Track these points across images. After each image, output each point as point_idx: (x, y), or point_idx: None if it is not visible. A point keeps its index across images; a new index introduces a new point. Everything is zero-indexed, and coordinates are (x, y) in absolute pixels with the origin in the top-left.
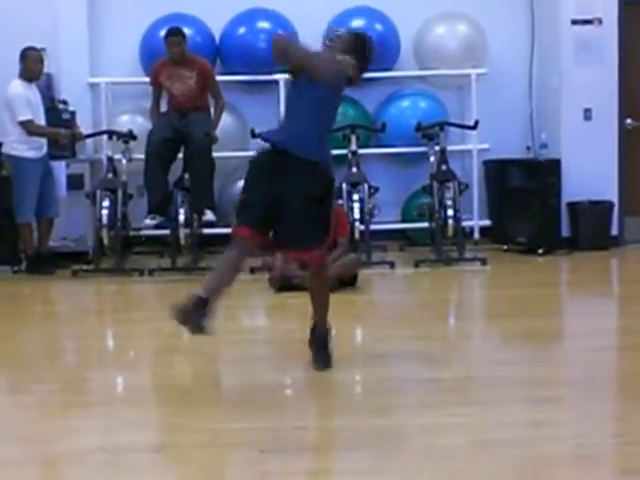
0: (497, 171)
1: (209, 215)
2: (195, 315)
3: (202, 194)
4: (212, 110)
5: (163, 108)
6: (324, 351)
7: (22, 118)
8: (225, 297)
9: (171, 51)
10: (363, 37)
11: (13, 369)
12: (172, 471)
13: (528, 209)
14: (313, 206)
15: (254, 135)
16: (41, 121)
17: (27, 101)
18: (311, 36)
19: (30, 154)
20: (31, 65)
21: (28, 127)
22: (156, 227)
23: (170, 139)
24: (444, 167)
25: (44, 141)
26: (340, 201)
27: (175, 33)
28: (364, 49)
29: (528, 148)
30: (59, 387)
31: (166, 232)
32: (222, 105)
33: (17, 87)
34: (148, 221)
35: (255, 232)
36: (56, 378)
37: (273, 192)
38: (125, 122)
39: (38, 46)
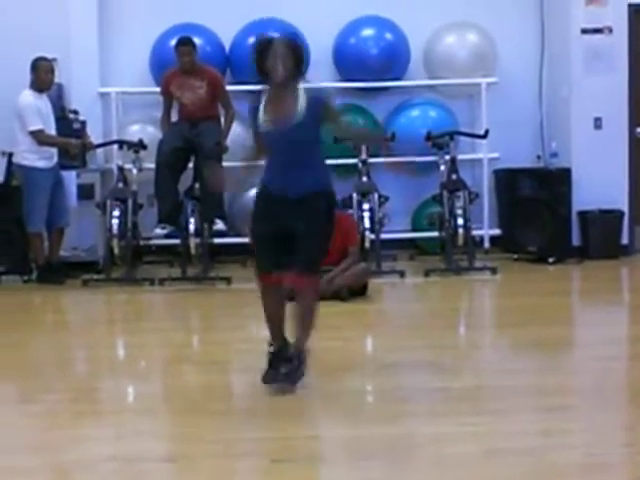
0: (507, 180)
1: (220, 225)
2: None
3: (212, 203)
4: (222, 120)
5: (173, 118)
6: (293, 370)
7: (33, 128)
8: (235, 306)
9: (182, 60)
10: (295, 42)
11: (24, 378)
12: None
13: (538, 218)
14: (317, 227)
15: None
16: (52, 131)
17: (38, 111)
18: (321, 46)
19: (41, 164)
20: (42, 75)
21: (39, 137)
22: (166, 237)
23: (181, 149)
24: (454, 176)
25: (55, 151)
26: (350, 210)
27: (185, 42)
28: (301, 53)
29: (538, 157)
30: (69, 396)
31: (176, 242)
32: (232, 115)
33: (28, 97)
34: (158, 230)
35: (277, 273)
36: (66, 387)
37: (280, 226)
38: (135, 132)
39: (49, 56)
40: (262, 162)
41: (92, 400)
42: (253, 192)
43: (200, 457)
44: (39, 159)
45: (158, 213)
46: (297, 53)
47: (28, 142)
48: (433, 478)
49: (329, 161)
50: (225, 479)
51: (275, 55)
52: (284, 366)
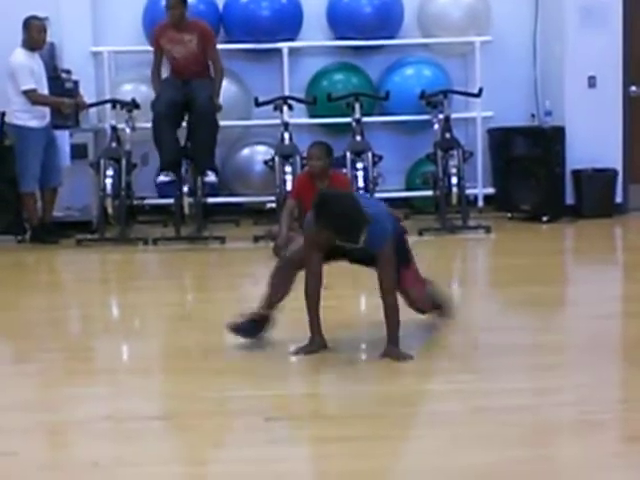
0: (501, 139)
1: (211, 176)
2: None
3: (204, 155)
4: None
5: (164, 74)
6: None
7: (25, 87)
8: (229, 265)
9: (170, 12)
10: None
11: (18, 338)
12: (178, 439)
13: (532, 177)
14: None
15: (257, 104)
16: (44, 90)
17: (30, 70)
18: (314, 5)
19: (33, 123)
20: (34, 34)
21: (31, 96)
22: (161, 195)
23: (176, 101)
24: (448, 135)
25: (47, 110)
26: (344, 169)
27: None
28: None
29: (532, 116)
30: (64, 356)
31: (170, 201)
32: (221, 70)
33: (20, 56)
34: (162, 177)
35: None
36: (60, 347)
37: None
38: (128, 91)
39: (41, 15)
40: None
41: (86, 359)
42: (245, 151)
43: (194, 415)
44: (32, 118)
45: (160, 161)
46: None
47: (20, 102)
48: (425, 435)
49: (323, 120)
50: (219, 437)
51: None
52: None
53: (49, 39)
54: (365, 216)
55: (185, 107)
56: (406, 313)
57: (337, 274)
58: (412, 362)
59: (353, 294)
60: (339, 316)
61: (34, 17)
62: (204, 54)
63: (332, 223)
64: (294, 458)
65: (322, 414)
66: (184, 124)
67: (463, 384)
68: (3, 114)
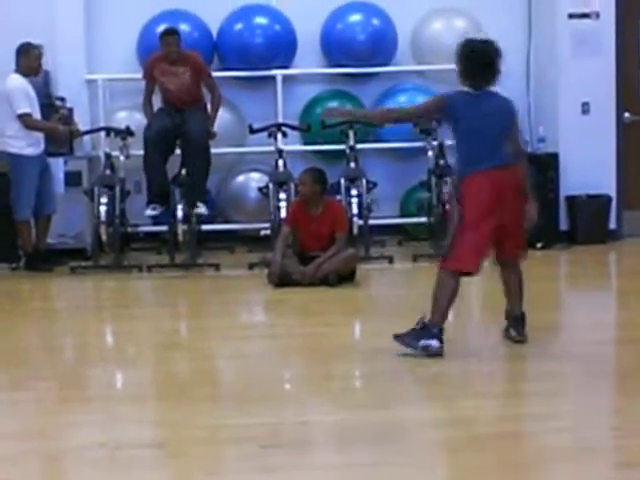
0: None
1: (201, 208)
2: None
3: (195, 187)
4: (209, 106)
5: (156, 105)
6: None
7: (21, 111)
8: (224, 292)
9: (167, 50)
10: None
11: (12, 366)
12: (172, 467)
13: None
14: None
15: (252, 131)
16: (37, 116)
17: (26, 94)
18: (308, 32)
19: (29, 151)
20: (31, 61)
21: (27, 121)
22: (155, 222)
23: (168, 129)
24: (442, 162)
25: (42, 137)
26: (338, 196)
27: (171, 33)
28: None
29: (526, 142)
30: (58, 384)
31: (164, 228)
32: (218, 97)
33: (16, 80)
34: (149, 211)
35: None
36: (55, 375)
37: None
38: (122, 119)
39: (35, 42)
40: None
41: (80, 387)
42: (240, 178)
43: (188, 443)
44: (27, 146)
45: (148, 194)
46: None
47: (15, 128)
48: (423, 462)
49: (317, 147)
50: (213, 465)
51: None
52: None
53: (44, 66)
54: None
55: (177, 136)
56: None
57: (328, 301)
58: (407, 389)
59: (345, 321)
60: (333, 342)
61: (29, 44)
62: (197, 85)
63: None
64: None
65: (318, 441)
66: (178, 151)
67: (460, 410)
68: None
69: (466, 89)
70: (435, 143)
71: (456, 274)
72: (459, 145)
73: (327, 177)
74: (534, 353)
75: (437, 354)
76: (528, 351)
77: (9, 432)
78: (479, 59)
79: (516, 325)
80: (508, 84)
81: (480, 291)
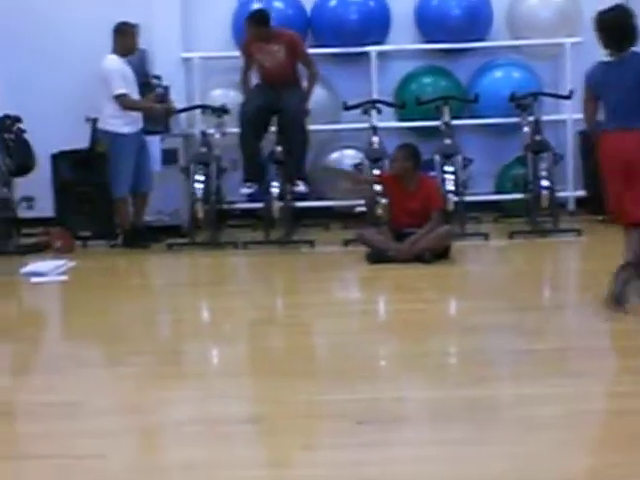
0: (592, 141)
1: (300, 186)
2: None
3: (294, 165)
4: (304, 83)
5: (254, 81)
6: None
7: (118, 92)
8: (319, 269)
9: (249, 33)
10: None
11: (110, 341)
12: (268, 442)
13: None
14: None
15: (346, 107)
16: (135, 96)
17: (123, 75)
18: (403, 8)
19: (126, 129)
20: (127, 41)
21: (123, 101)
22: (250, 199)
23: (264, 107)
24: (538, 137)
25: (139, 116)
26: (433, 173)
27: (248, 18)
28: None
29: None
30: (155, 359)
31: (260, 205)
32: (315, 74)
33: (113, 61)
34: (244, 190)
35: None
36: (152, 350)
37: None
38: (218, 96)
39: (132, 22)
40: None
41: (177, 363)
42: (334, 155)
43: (284, 419)
44: (124, 125)
45: (243, 172)
46: None
47: (112, 107)
48: (519, 439)
49: (412, 123)
50: (309, 440)
51: None
52: None
53: (140, 45)
54: None
55: (273, 113)
56: (500, 317)
57: (422, 278)
58: (503, 366)
59: (440, 298)
60: (429, 319)
61: (126, 23)
62: (292, 63)
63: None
64: (386, 462)
65: (413, 417)
66: (273, 129)
67: (557, 388)
68: (95, 120)
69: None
70: (531, 119)
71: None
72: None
73: (420, 153)
74: (632, 330)
75: None
76: (626, 328)
77: (108, 407)
78: (608, 26)
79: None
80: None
81: (575, 267)
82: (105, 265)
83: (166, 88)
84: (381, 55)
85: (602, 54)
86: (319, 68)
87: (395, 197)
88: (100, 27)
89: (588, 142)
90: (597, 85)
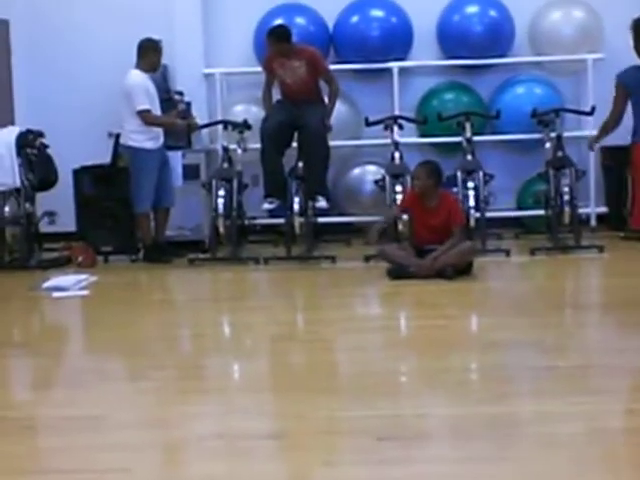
0: (614, 157)
1: (322, 202)
2: None
3: (315, 181)
4: (326, 99)
5: (275, 97)
6: None
7: (141, 107)
8: (340, 285)
9: (271, 49)
10: None
11: (132, 356)
12: (289, 458)
13: None
14: None
15: (368, 123)
16: (157, 112)
17: (146, 91)
18: (425, 24)
19: (148, 145)
20: (152, 57)
21: (146, 117)
22: (272, 215)
23: (285, 123)
24: (560, 154)
25: (161, 132)
26: (455, 189)
27: (269, 34)
28: None
29: None
30: (177, 374)
31: (281, 221)
32: (336, 90)
33: (137, 76)
34: (266, 205)
35: None
36: (173, 365)
37: None
38: (240, 112)
39: (155, 38)
40: None
41: (199, 377)
42: (356, 171)
43: (305, 434)
44: (146, 140)
45: (264, 187)
46: None
47: (135, 123)
48: (540, 457)
49: (433, 139)
50: (330, 456)
51: None
52: None
53: (162, 61)
54: None
55: (294, 129)
56: (521, 334)
57: (444, 294)
58: (524, 383)
59: (462, 314)
60: (450, 335)
61: (150, 40)
62: (313, 79)
63: None
64: (406, 478)
65: (434, 434)
66: (294, 144)
67: (578, 405)
68: (118, 136)
69: None
70: (553, 135)
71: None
72: (634, 115)
73: (442, 169)
74: None
75: None
76: None
77: (130, 421)
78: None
79: None
80: None
81: (597, 284)
82: (126, 280)
83: (188, 104)
84: (403, 71)
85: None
86: (341, 84)
87: (416, 214)
88: (123, 43)
89: (610, 159)
90: (630, 86)
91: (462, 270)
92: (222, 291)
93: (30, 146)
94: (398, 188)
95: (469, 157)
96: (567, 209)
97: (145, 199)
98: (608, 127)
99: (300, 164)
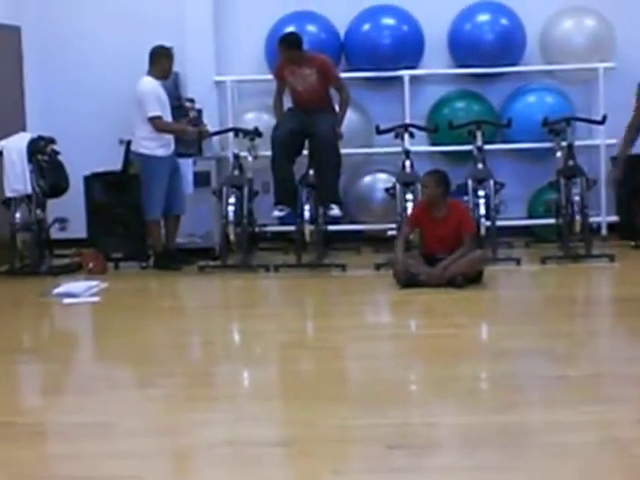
0: (625, 166)
1: (335, 210)
2: None
3: (328, 189)
4: (337, 107)
5: (286, 105)
6: None
7: (152, 114)
8: (350, 293)
9: (281, 58)
10: None
11: (141, 363)
12: (299, 465)
13: None
14: None
15: (379, 131)
16: (169, 119)
17: (157, 98)
18: (436, 33)
19: (159, 152)
20: (164, 64)
21: (157, 124)
22: (282, 222)
23: (296, 131)
24: (571, 162)
25: (172, 139)
26: (465, 197)
27: (280, 42)
28: None
29: None
30: (186, 381)
31: (291, 228)
32: (347, 98)
33: (148, 83)
34: (276, 213)
35: None
36: (183, 372)
37: None
38: (251, 119)
39: (167, 45)
40: None
41: (208, 385)
42: (366, 179)
43: (314, 442)
44: (158, 147)
45: (275, 195)
46: None
47: (146, 129)
48: (550, 467)
49: (444, 147)
50: (340, 464)
51: None
52: None
53: (174, 68)
54: None
55: (305, 137)
56: (532, 342)
57: (454, 302)
58: (534, 392)
59: (472, 323)
60: (460, 344)
61: (162, 47)
62: (324, 87)
63: None
64: None
65: (444, 443)
66: (305, 152)
67: (589, 415)
68: (129, 143)
69: None
70: (564, 144)
71: None
72: None
73: (450, 178)
74: None
75: None
76: None
77: (139, 428)
78: None
79: None
80: None
81: (608, 293)
82: (137, 287)
83: (199, 111)
84: (414, 79)
85: (635, 79)
86: (352, 92)
87: (425, 225)
88: (134, 50)
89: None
90: None
91: (472, 279)
92: (232, 298)
93: (41, 152)
94: (409, 196)
95: (480, 166)
96: (578, 218)
97: (156, 206)
98: (632, 136)
99: (311, 172)
